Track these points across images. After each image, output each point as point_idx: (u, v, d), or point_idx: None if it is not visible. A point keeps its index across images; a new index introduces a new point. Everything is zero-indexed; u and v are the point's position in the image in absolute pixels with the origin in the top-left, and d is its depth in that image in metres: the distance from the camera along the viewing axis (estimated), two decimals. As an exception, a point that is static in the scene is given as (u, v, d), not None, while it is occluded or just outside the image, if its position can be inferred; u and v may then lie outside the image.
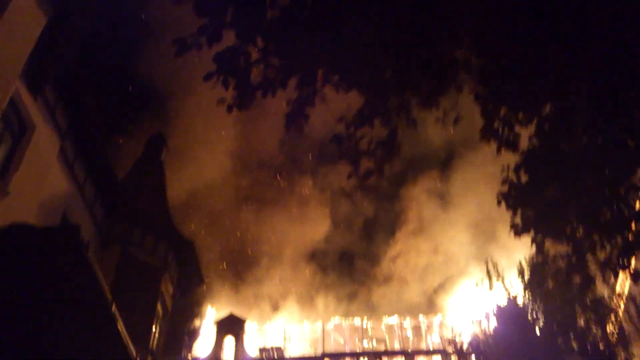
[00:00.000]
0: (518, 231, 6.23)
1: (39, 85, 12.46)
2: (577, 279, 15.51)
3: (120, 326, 10.80)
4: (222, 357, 32.48)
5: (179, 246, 18.85)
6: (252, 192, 61.21)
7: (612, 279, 15.93)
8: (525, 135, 6.18)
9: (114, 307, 10.46)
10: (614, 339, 15.61)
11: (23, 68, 11.34)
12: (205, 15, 5.71)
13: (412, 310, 40.28)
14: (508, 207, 6.15)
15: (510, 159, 6.25)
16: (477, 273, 20.05)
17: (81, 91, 14.06)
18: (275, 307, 43.89)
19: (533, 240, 6.18)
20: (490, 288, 16.95)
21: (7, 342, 9.84)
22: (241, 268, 51.37)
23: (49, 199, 13.38)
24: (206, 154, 55.97)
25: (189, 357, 32.13)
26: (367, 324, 36.40)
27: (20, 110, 12.13)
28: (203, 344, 33.83)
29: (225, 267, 49.38)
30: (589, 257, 6.45)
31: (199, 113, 55.38)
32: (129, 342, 11.28)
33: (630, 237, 5.81)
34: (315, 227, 57.36)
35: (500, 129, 6.08)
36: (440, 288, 43.69)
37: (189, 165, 50.61)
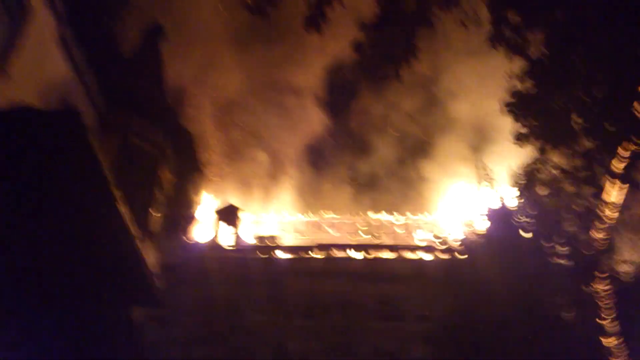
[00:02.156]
0: (522, 140, 6.24)
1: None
2: (569, 187, 15.83)
3: (122, 208, 11.09)
4: (219, 243, 33.62)
5: (178, 135, 18.94)
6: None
7: (609, 187, 16.16)
8: (535, 43, 6.07)
9: (115, 190, 10.69)
10: (600, 246, 16.09)
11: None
12: None
13: (400, 208, 41.03)
14: (513, 116, 6.12)
15: (516, 67, 6.19)
16: (469, 177, 20.25)
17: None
18: (270, 195, 44.76)
19: (538, 149, 6.20)
20: (483, 192, 17.22)
21: (6, 224, 10.08)
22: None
23: (49, 85, 13.20)
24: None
25: (188, 241, 33.32)
26: (358, 219, 37.51)
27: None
28: (201, 230, 34.96)
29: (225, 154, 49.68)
30: (588, 166, 6.50)
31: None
32: (130, 224, 11.65)
33: (633, 149, 5.84)
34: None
35: (509, 35, 5.95)
36: (433, 187, 44.33)
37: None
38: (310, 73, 57.67)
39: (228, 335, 27.02)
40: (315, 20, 6.21)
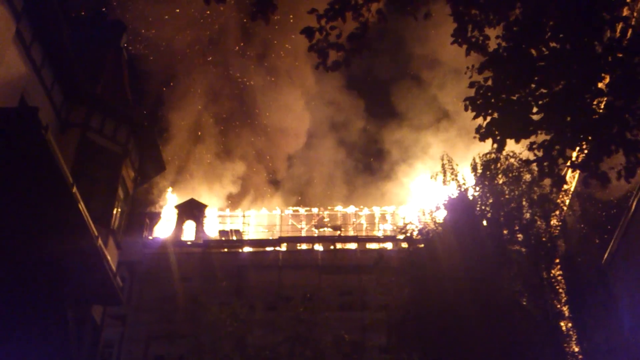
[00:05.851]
0: (482, 136, 6.33)
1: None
2: (526, 175, 16.23)
3: (82, 207, 10.94)
4: (181, 238, 33.25)
5: (140, 132, 18.63)
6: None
7: (565, 176, 16.61)
8: (494, 37, 6.22)
9: (74, 188, 10.54)
10: (556, 232, 16.51)
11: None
12: None
13: (366, 202, 41.66)
14: (475, 110, 6.22)
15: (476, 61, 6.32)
16: (433, 169, 20.48)
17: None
18: (237, 195, 44.63)
19: (495, 140, 6.28)
20: (445, 182, 17.41)
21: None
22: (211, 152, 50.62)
23: (4, 82, 12.82)
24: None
25: (150, 238, 32.86)
26: (324, 212, 37.60)
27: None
28: (164, 227, 34.51)
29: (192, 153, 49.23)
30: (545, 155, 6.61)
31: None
32: (90, 222, 11.49)
33: (594, 142, 6.00)
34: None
35: (470, 31, 6.11)
36: (397, 181, 44.92)
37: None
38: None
39: (190, 331, 26.85)
40: None
